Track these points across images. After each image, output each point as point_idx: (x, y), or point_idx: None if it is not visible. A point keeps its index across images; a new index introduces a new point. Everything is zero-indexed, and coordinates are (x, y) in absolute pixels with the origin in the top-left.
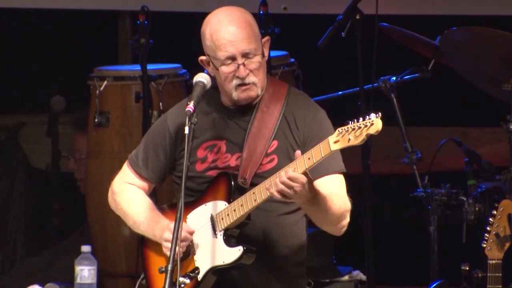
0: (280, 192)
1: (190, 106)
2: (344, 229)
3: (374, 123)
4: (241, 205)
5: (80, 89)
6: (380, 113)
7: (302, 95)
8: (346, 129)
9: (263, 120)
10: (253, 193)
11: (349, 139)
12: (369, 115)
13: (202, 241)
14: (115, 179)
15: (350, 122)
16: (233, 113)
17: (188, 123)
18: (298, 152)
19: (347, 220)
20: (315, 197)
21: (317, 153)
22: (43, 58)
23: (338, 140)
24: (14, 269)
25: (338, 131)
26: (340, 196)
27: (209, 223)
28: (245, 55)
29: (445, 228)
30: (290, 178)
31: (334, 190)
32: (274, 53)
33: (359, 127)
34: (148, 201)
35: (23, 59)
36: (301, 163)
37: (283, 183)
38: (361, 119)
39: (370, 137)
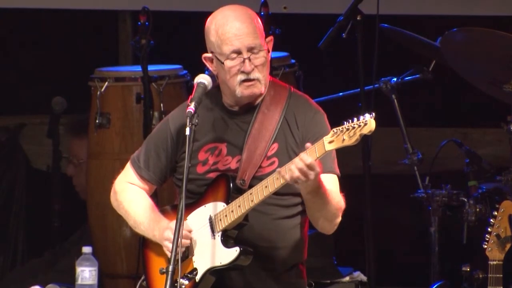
0: (293, 177)
1: (191, 107)
2: (336, 227)
3: (368, 123)
4: (239, 206)
5: (81, 90)
6: (374, 113)
7: (303, 97)
8: (341, 129)
9: (263, 122)
10: (250, 193)
11: (344, 139)
12: (363, 115)
13: (201, 242)
14: (117, 178)
15: (345, 122)
16: (234, 115)
17: (189, 124)
18: (308, 144)
19: (340, 218)
20: (319, 188)
21: (312, 153)
22: (43, 59)
23: (332, 140)
24: (15, 270)
25: (333, 131)
26: (336, 193)
27: (208, 224)
28: (251, 50)
29: (446, 229)
30: (308, 166)
31: (331, 187)
32: (275, 54)
33: (353, 127)
34: (149, 202)
35: (24, 59)
36: None
37: (300, 169)
38: (355, 119)
39: (370, 138)
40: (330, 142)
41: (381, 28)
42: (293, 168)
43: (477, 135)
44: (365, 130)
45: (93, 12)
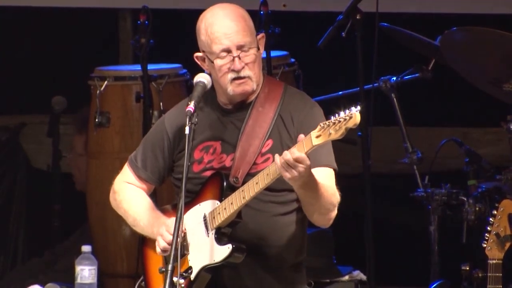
0: (284, 168)
1: (191, 106)
2: (331, 221)
3: (353, 116)
4: (231, 203)
5: (81, 89)
6: (359, 107)
7: (299, 93)
8: (328, 123)
9: (258, 119)
10: (242, 190)
11: (330, 133)
12: (349, 108)
13: (196, 240)
14: (116, 179)
15: (332, 116)
16: (228, 113)
17: (188, 123)
18: (302, 135)
19: (335, 212)
20: (311, 181)
21: (300, 148)
22: (43, 58)
23: (320, 134)
24: (15, 270)
25: (320, 125)
26: (330, 187)
27: (202, 223)
28: (240, 48)
29: (446, 228)
30: (296, 160)
31: (325, 181)
32: (274, 53)
33: (339, 121)
34: (148, 200)
35: (24, 59)
36: None
37: (287, 161)
38: (342, 112)
39: (370, 137)
40: (318, 136)
41: (380, 27)
42: (282, 162)
43: (477, 134)
44: (350, 124)
45: (93, 10)
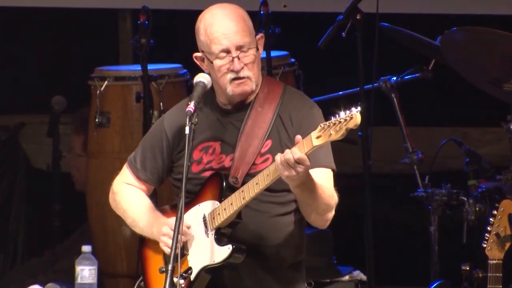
0: (283, 167)
1: (191, 106)
2: (329, 222)
3: (353, 117)
4: (231, 204)
5: (81, 89)
6: (360, 107)
7: (298, 93)
8: (328, 124)
9: (257, 119)
10: (242, 191)
11: (330, 134)
12: (350, 109)
13: (196, 241)
14: (115, 179)
15: (332, 117)
16: (228, 113)
17: (188, 123)
18: (299, 137)
19: (333, 213)
20: (308, 181)
21: (301, 149)
22: (43, 58)
23: (320, 135)
24: (15, 270)
25: (320, 126)
26: (328, 188)
27: (202, 223)
28: (239, 48)
29: (446, 228)
30: (297, 160)
31: (323, 182)
32: (274, 53)
33: (339, 122)
34: (147, 200)
35: (24, 58)
36: None
37: (287, 160)
38: (342, 113)
39: (370, 137)
40: (318, 137)
41: (380, 27)
42: (283, 160)
43: (477, 134)
44: (351, 124)
45: (93, 11)
